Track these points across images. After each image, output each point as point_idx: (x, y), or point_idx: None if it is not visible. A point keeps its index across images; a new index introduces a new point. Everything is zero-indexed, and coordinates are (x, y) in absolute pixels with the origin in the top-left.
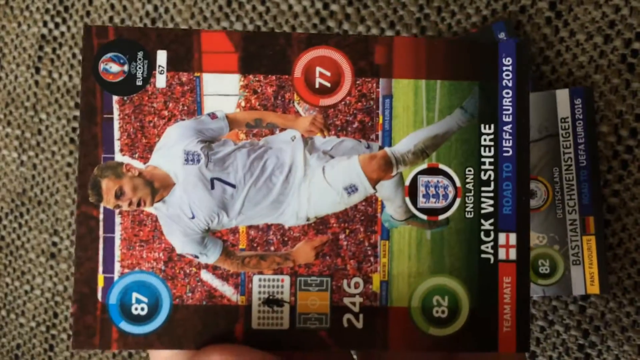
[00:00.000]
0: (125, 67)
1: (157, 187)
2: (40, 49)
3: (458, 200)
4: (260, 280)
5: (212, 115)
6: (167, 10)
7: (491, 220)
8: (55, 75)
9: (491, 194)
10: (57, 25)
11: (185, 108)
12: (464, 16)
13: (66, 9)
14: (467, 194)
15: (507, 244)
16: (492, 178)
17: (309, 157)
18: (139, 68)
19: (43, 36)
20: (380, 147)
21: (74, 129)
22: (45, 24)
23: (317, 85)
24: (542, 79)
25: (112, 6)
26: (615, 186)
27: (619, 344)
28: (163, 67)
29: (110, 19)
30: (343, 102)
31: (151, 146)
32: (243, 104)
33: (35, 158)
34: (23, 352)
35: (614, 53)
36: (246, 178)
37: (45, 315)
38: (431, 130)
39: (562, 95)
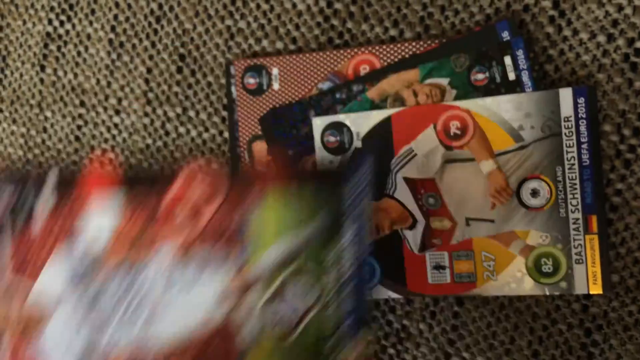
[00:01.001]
0: None
1: None
2: (45, 46)
3: None
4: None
5: None
6: (171, 9)
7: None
8: (60, 73)
9: None
10: (62, 23)
11: None
12: (467, 15)
13: (71, 7)
14: None
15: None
16: None
17: None
18: None
19: (48, 34)
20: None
21: (79, 127)
22: (50, 22)
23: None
24: (545, 77)
25: (117, 4)
26: (617, 185)
27: (621, 343)
28: None
29: (115, 17)
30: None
31: None
32: None
33: (40, 156)
34: None
35: (617, 52)
36: None
37: None
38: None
39: (566, 95)
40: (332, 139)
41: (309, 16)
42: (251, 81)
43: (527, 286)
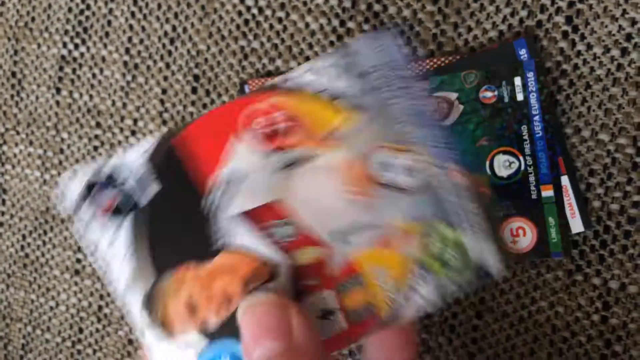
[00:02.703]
0: None
1: None
2: (60, 69)
3: None
4: None
5: None
6: (185, 30)
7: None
8: (76, 95)
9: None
10: (76, 46)
11: None
12: (480, 31)
13: (85, 30)
14: None
15: None
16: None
17: None
18: None
19: (63, 57)
20: None
21: (95, 148)
22: (64, 45)
23: None
24: (560, 92)
25: (131, 27)
26: (634, 197)
27: None
28: None
29: (129, 39)
30: None
31: None
32: None
33: (57, 176)
34: None
35: (631, 66)
36: None
37: (70, 331)
38: None
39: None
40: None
41: (322, 35)
42: None
43: (442, 290)
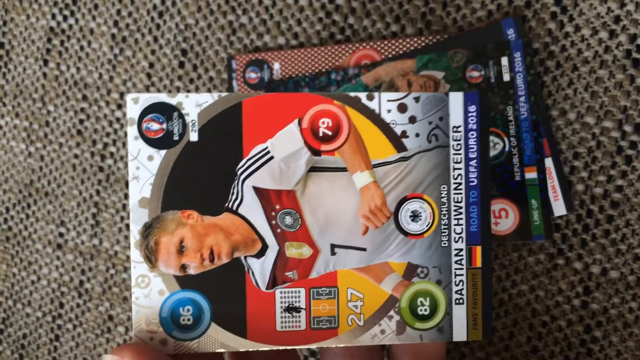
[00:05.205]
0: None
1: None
2: (48, 41)
3: None
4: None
5: None
6: (174, 4)
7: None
8: (64, 68)
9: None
10: (65, 18)
11: None
12: (469, 10)
13: (74, 1)
14: None
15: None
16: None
17: None
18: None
19: (51, 29)
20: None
21: (81, 121)
22: (53, 16)
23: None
24: (547, 74)
25: None
26: (618, 182)
27: (621, 339)
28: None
29: (118, 11)
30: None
31: None
32: None
33: (42, 149)
34: (29, 342)
35: (619, 48)
36: None
37: (51, 306)
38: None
39: (456, 100)
40: (155, 126)
41: (311, 11)
42: (253, 75)
43: (399, 333)
